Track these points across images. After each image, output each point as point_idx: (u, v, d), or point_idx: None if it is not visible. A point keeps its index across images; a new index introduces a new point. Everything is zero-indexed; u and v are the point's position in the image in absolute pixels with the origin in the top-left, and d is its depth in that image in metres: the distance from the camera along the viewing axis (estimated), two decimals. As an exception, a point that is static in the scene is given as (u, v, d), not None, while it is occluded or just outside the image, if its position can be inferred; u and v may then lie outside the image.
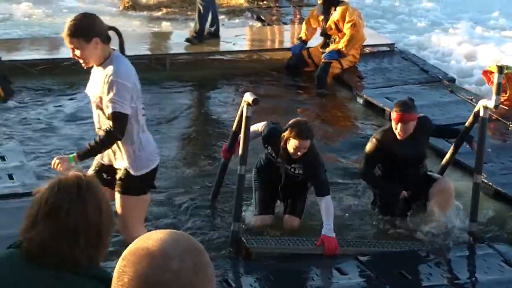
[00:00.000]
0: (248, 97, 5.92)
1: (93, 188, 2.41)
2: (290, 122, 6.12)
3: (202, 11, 10.71)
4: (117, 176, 4.92)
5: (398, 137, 6.28)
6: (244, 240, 5.92)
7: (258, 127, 6.32)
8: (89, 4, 13.79)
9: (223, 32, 11.32)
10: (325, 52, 10.08)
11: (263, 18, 13.06)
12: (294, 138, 5.98)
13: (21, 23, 12.56)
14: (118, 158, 4.90)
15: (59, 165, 4.76)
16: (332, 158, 7.68)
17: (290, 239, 6.05)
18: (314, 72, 10.06)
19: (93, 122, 5.05)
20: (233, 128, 6.45)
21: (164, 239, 1.74)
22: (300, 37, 10.40)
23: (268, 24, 12.70)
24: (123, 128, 4.72)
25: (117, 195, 4.93)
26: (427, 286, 5.64)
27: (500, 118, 8.57)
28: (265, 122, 6.37)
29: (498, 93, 6.29)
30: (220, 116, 9.05)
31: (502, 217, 6.76)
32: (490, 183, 7.14)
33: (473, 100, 8.88)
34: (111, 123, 4.71)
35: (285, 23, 12.77)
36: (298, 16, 13.13)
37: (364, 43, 10.42)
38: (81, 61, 4.74)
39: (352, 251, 6.00)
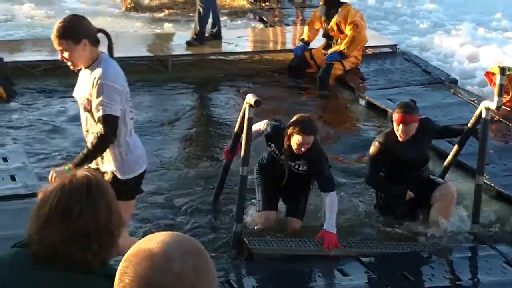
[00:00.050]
0: (250, 98, 5.91)
1: (102, 187, 2.40)
2: (293, 118, 6.11)
3: (202, 13, 10.71)
4: None
5: (400, 139, 6.27)
6: (246, 241, 5.91)
7: (259, 126, 6.31)
8: (91, 5, 13.81)
9: (225, 33, 11.33)
10: (327, 54, 10.08)
11: (265, 19, 13.06)
12: (297, 133, 5.96)
13: (23, 24, 12.57)
14: (105, 161, 4.85)
15: (56, 178, 4.71)
16: (334, 159, 7.67)
17: (292, 240, 6.04)
18: (316, 73, 10.05)
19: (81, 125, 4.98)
20: (235, 129, 6.45)
21: (166, 241, 1.74)
22: (302, 39, 10.39)
23: (271, 26, 12.70)
24: (114, 130, 4.67)
25: None
26: (429, 287, 5.65)
27: (502, 120, 8.56)
28: (266, 121, 6.37)
29: (500, 95, 6.29)
30: (222, 118, 9.05)
31: (504, 218, 6.75)
32: (492, 185, 7.13)
33: (476, 101, 8.87)
34: (101, 126, 4.65)
35: (287, 25, 12.78)
36: (300, 17, 13.13)
37: (366, 45, 10.42)
38: (69, 63, 4.71)
39: (354, 252, 5.99)
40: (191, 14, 13.01)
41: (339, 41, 10.07)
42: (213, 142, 8.33)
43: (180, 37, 11.35)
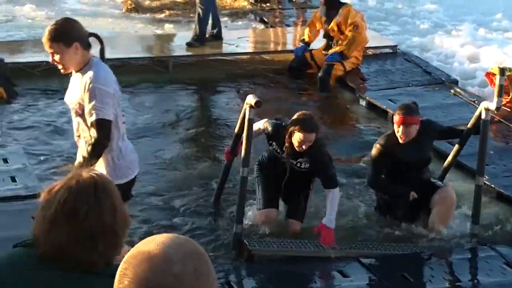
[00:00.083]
0: (251, 99, 5.91)
1: (108, 188, 2.39)
2: (295, 115, 6.10)
3: (201, 14, 10.72)
4: None
5: (400, 140, 6.26)
6: (246, 243, 5.91)
7: (259, 125, 6.29)
8: (92, 7, 13.81)
9: (225, 34, 11.33)
10: (327, 54, 10.08)
11: (266, 20, 13.05)
12: (299, 131, 5.94)
13: (24, 25, 12.56)
14: (98, 166, 4.81)
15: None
16: (334, 159, 7.66)
17: (292, 241, 6.04)
18: (316, 74, 10.05)
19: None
20: (236, 130, 6.45)
21: (166, 242, 1.73)
22: (303, 39, 10.39)
23: (271, 26, 12.70)
24: (108, 134, 4.64)
25: None
26: (429, 289, 5.64)
27: (502, 120, 8.56)
28: (265, 120, 6.35)
29: (500, 95, 6.29)
30: (222, 118, 9.05)
31: (504, 219, 6.75)
32: (492, 185, 7.13)
33: (476, 102, 8.87)
34: (95, 131, 4.62)
35: (288, 25, 12.78)
36: (301, 18, 13.12)
37: (367, 45, 10.41)
38: (60, 66, 4.68)
39: (355, 253, 5.99)
40: (191, 15, 12.99)
41: (339, 41, 10.06)
42: (214, 143, 8.32)
43: (181, 38, 11.35)
